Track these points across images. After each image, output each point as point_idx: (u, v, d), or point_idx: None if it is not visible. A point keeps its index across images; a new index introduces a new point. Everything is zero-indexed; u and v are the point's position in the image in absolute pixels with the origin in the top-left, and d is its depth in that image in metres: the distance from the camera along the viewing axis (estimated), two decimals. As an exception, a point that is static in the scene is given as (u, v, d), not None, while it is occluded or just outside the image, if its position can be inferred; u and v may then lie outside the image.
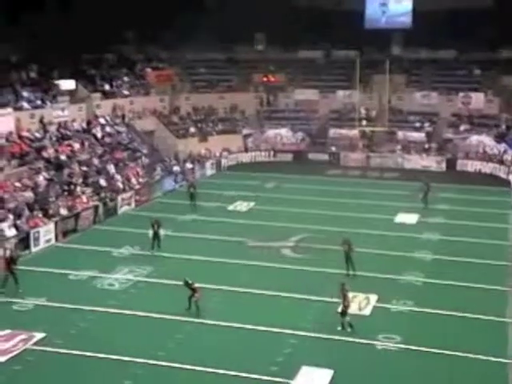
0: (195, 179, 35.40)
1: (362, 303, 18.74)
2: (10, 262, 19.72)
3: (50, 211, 25.70)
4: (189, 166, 37.42)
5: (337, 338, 16.62)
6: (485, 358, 15.59)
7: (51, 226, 24.88)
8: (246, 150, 43.51)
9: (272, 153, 43.21)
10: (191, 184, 31.75)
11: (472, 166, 39.69)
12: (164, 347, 15.98)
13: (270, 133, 44.53)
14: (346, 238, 21.68)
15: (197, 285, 17.92)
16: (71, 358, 15.48)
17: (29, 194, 26.21)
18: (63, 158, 30.57)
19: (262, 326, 17.07)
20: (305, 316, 17.89)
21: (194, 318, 17.61)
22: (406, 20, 46.39)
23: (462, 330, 17.26)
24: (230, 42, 46.74)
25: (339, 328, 16.92)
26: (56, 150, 30.85)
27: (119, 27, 41.62)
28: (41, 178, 27.78)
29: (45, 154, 29.93)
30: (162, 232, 23.81)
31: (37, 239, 23.79)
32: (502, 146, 39.85)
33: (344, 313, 16.95)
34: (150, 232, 23.64)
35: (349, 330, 16.84)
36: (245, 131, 44.46)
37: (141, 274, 21.22)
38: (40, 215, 25.09)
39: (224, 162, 41.13)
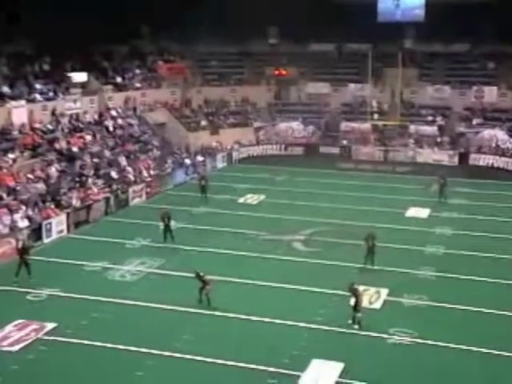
0: (206, 172, 35.41)
1: (372, 297, 18.70)
2: (23, 251, 19.88)
3: (62, 202, 25.82)
4: (200, 158, 37.42)
5: (348, 331, 16.60)
6: (500, 353, 15.46)
7: (63, 217, 25.00)
8: (258, 143, 43.43)
9: (283, 146, 43.09)
10: (202, 176, 31.75)
11: (484, 160, 39.36)
12: (177, 339, 16.01)
13: (282, 126, 44.43)
14: (370, 232, 21.56)
15: (208, 277, 17.92)
16: (82, 348, 15.56)
17: (41, 186, 26.34)
18: (75, 149, 30.66)
19: (274, 319, 17.06)
20: (316, 309, 17.86)
21: (205, 310, 17.63)
22: (420, 13, 45.91)
23: (476, 324, 17.14)
24: (243, 35, 46.59)
25: (349, 321, 16.89)
26: (68, 142, 30.96)
27: (133, 21, 41.62)
28: (53, 170, 27.90)
29: (57, 146, 30.04)
30: (173, 224, 23.82)
31: (49, 230, 23.92)
32: (516, 140, 39.51)
33: (356, 308, 16.90)
34: (161, 225, 23.67)
35: (356, 326, 16.77)
36: (256, 124, 44.37)
37: (152, 266, 21.27)
38: (52, 206, 25.20)
39: (235, 154, 41.09)
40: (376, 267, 20.97)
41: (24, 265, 19.66)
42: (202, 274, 17.95)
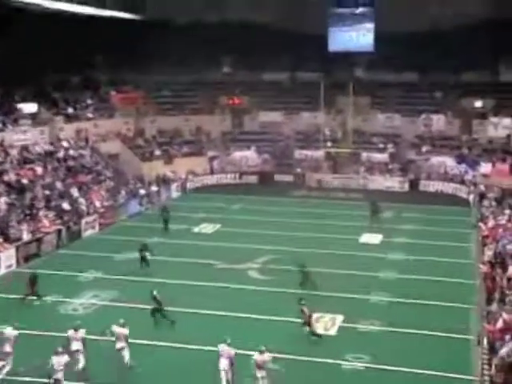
0: (167, 202, 35.21)
1: (327, 323, 18.91)
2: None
3: (11, 236, 25.31)
4: (154, 188, 37.30)
5: (304, 358, 16.71)
6: (451, 375, 15.84)
7: (12, 251, 24.49)
8: (212, 172, 43.62)
9: (238, 175, 43.39)
10: (164, 207, 31.51)
11: (434, 186, 40.59)
12: (130, 372, 15.81)
13: (236, 155, 44.81)
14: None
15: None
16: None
17: (-11, 219, 25.84)
18: (25, 181, 30.21)
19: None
20: (274, 338, 17.87)
21: (159, 341, 17.51)
22: (369, 43, 47.43)
23: (429, 348, 17.49)
24: (197, 64, 47.09)
25: (313, 338, 17.51)
26: (17, 174, 30.51)
27: (86, 52, 41.53)
28: (1, 202, 27.37)
29: (5, 178, 29.57)
30: (148, 255, 23.66)
31: (-3, 265, 23.38)
32: (463, 167, 40.94)
33: (307, 324, 17.40)
34: (138, 255, 23.65)
35: (314, 337, 17.49)
36: (210, 153, 44.62)
37: (106, 299, 21.00)
38: (0, 240, 24.68)
39: (189, 184, 41.12)
40: (326, 293, 21.21)
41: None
42: (156, 295, 18.27)
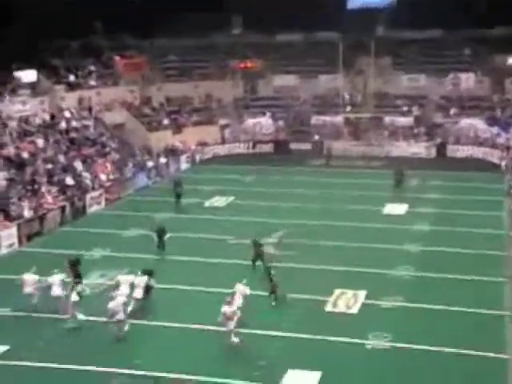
0: (179, 175, 34.90)
1: (350, 300, 18.78)
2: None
3: (12, 213, 25.34)
4: (162, 160, 37.20)
5: (324, 338, 16.61)
6: (482, 354, 15.64)
7: (13, 229, 24.53)
8: (224, 141, 43.36)
9: (251, 144, 43.12)
10: (177, 181, 31.10)
11: (463, 151, 40.00)
12: (140, 355, 15.84)
13: (249, 122, 44.44)
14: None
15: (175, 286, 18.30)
16: (38, 372, 15.24)
17: (-12, 196, 25.91)
18: (25, 155, 30.18)
19: (245, 329, 16.97)
20: (290, 316, 17.85)
21: (169, 322, 17.49)
22: (391, -2, 46.43)
23: (458, 325, 17.30)
24: (205, 26, 46.49)
25: (273, 303, 18.28)
26: (17, 148, 30.48)
27: (87, 17, 41.11)
28: (0, 178, 27.35)
29: (4, 152, 29.52)
30: (166, 236, 23.38)
31: (-2, 244, 23.46)
32: (495, 130, 40.22)
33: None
34: (155, 238, 23.39)
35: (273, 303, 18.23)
36: (221, 121, 44.27)
37: (114, 278, 20.94)
38: (1, 218, 24.70)
39: (200, 155, 40.91)
40: (348, 268, 21.04)
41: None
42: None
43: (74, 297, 17.53)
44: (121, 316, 16.43)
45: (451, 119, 42.38)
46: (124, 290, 17.86)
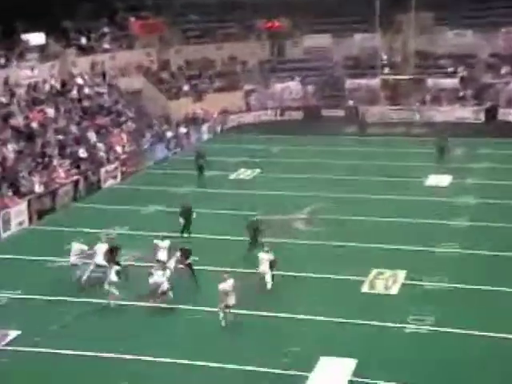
0: (201, 146, 34.87)
1: (388, 281, 18.71)
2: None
3: (22, 188, 25.62)
4: (183, 129, 37.33)
5: (360, 322, 16.57)
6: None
7: (23, 205, 24.79)
8: (249, 108, 43.42)
9: (279, 111, 43.16)
10: (199, 153, 30.93)
11: (516, 115, 39.47)
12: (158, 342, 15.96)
13: (277, 87, 44.46)
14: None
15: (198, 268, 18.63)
16: (52, 358, 15.44)
17: (-5, 169, 26.22)
18: (35, 125, 30.45)
19: (273, 312, 16.99)
20: (322, 298, 17.82)
21: (197, 306, 17.57)
22: None
23: (507, 308, 17.08)
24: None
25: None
26: (26, 117, 30.76)
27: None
28: (9, 150, 27.60)
29: (13, 122, 29.73)
30: (194, 216, 23.02)
31: (7, 222, 23.71)
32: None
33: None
34: (181, 221, 22.98)
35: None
36: (246, 87, 44.23)
37: (131, 259, 21.10)
38: (10, 194, 25.00)
39: (223, 123, 40.93)
40: (386, 246, 20.81)
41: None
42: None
43: (113, 277, 17.83)
44: (164, 287, 17.35)
45: (502, 79, 41.87)
46: (161, 256, 18.75)
